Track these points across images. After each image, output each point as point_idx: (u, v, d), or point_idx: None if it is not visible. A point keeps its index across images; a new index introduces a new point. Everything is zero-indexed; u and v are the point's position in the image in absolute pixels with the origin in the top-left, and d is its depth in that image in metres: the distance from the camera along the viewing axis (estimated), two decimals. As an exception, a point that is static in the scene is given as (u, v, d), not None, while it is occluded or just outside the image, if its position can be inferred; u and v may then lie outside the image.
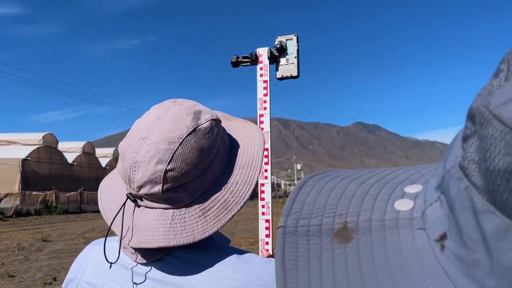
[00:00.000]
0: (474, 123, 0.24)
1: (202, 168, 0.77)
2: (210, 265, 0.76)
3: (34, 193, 21.40)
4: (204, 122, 0.78)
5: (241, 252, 0.81)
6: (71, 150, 29.43)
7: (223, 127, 0.86)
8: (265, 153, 1.74)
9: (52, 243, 11.33)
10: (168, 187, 0.75)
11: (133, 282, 0.79)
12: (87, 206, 24.78)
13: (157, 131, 0.75)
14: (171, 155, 0.74)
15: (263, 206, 1.52)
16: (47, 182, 24.18)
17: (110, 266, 0.80)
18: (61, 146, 27.97)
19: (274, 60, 1.65)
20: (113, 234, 0.82)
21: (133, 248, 0.79)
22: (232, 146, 0.87)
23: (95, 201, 25.22)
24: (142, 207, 0.79)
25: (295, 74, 1.62)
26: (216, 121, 0.81)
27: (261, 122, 1.58)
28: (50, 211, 21.64)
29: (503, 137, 0.22)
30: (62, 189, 23.92)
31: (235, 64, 1.66)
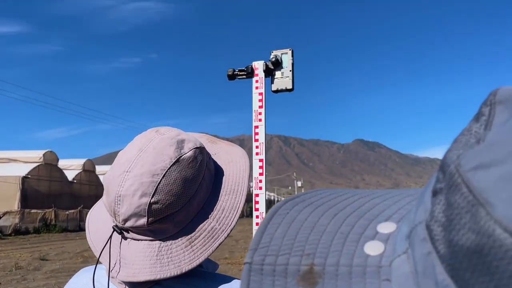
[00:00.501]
0: (444, 178, 0.23)
1: (187, 198, 0.77)
2: None
3: (33, 211, 21.30)
4: (188, 151, 0.78)
5: (229, 279, 0.81)
6: (71, 167, 29.42)
7: (208, 153, 0.85)
8: (260, 164, 1.76)
9: (50, 262, 11.23)
10: (153, 219, 0.75)
11: None
12: (87, 224, 24.62)
13: (140, 163, 0.76)
14: (155, 187, 0.74)
15: (257, 217, 1.53)
16: (47, 200, 24.09)
17: None
18: (62, 163, 27.96)
19: (269, 73, 1.68)
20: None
21: None
22: (217, 172, 0.86)
23: (94, 219, 25.02)
24: (129, 239, 0.79)
25: (289, 87, 1.65)
26: (200, 149, 0.81)
27: (256, 134, 1.60)
28: (49, 229, 21.51)
29: (470, 209, 0.20)
30: (61, 207, 23.83)
31: (232, 77, 1.69)
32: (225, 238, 0.79)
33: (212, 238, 0.78)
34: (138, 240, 0.78)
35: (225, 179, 0.85)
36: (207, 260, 0.90)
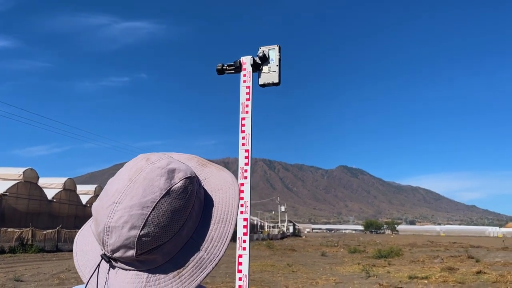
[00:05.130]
0: None
1: (176, 229, 0.78)
2: None
3: (10, 229, 20.68)
4: (178, 181, 0.79)
5: None
6: (51, 186, 28.84)
7: (198, 180, 0.85)
8: (246, 154, 1.78)
9: (25, 283, 10.88)
10: (142, 251, 0.76)
11: None
12: (64, 245, 23.89)
13: (130, 195, 0.76)
14: (144, 220, 0.75)
15: (241, 205, 1.54)
16: (25, 219, 23.49)
17: None
18: (42, 181, 27.39)
19: (257, 68, 1.73)
20: None
21: None
22: (207, 200, 0.86)
23: (73, 240, 24.31)
24: (117, 268, 0.81)
25: (276, 81, 1.70)
26: (190, 179, 0.81)
27: (243, 125, 1.63)
28: (26, 249, 20.84)
29: None
30: (39, 226, 23.18)
31: (221, 71, 1.73)
32: (213, 268, 0.81)
33: (200, 268, 0.79)
34: (126, 270, 0.79)
35: (214, 207, 0.85)
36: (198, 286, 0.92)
